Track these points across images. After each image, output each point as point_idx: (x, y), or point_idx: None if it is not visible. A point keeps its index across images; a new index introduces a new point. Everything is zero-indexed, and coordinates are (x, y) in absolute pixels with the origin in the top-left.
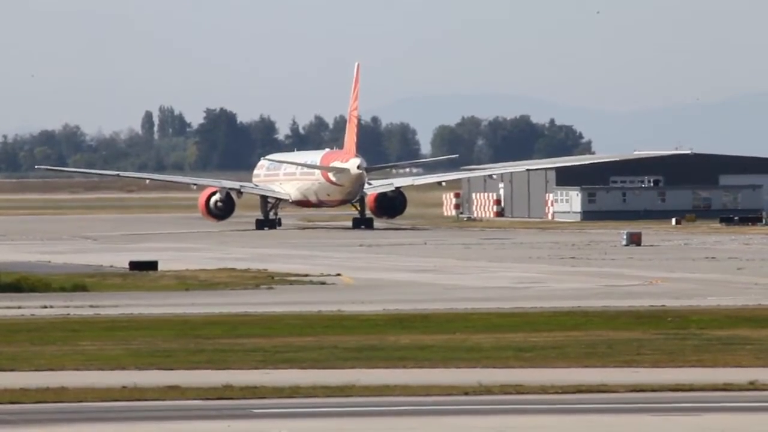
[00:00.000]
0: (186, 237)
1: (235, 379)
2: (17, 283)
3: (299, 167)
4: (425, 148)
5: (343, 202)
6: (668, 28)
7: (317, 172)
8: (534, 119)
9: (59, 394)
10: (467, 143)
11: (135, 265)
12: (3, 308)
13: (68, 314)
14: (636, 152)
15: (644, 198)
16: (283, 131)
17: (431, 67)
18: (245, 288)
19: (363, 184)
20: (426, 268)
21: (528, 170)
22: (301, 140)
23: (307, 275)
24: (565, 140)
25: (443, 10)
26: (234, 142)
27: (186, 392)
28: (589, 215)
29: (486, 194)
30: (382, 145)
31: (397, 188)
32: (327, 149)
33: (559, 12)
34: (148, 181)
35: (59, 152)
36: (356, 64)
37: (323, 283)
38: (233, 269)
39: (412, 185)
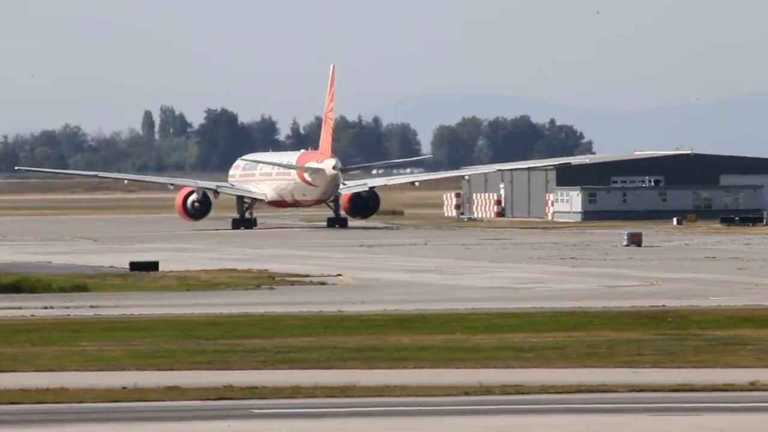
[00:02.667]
0: (186, 237)
1: (236, 380)
2: (17, 284)
3: (275, 167)
4: (426, 148)
5: (318, 202)
6: (669, 28)
7: (293, 172)
8: (534, 119)
9: (59, 394)
10: (468, 143)
11: (135, 266)
12: (3, 309)
13: (68, 315)
14: (637, 152)
15: (645, 198)
16: (284, 131)
17: (432, 68)
18: (246, 288)
19: (338, 185)
20: (426, 268)
21: (500, 170)
22: (302, 140)
23: (307, 275)
24: (566, 140)
25: (444, 10)
26: (235, 142)
27: (186, 393)
28: (589, 215)
29: (486, 194)
30: (383, 145)
31: (371, 188)
32: (303, 150)
33: (560, 12)
34: (126, 181)
35: (60, 152)
36: (331, 66)
37: (324, 284)
38: (234, 270)
39: (385, 185)
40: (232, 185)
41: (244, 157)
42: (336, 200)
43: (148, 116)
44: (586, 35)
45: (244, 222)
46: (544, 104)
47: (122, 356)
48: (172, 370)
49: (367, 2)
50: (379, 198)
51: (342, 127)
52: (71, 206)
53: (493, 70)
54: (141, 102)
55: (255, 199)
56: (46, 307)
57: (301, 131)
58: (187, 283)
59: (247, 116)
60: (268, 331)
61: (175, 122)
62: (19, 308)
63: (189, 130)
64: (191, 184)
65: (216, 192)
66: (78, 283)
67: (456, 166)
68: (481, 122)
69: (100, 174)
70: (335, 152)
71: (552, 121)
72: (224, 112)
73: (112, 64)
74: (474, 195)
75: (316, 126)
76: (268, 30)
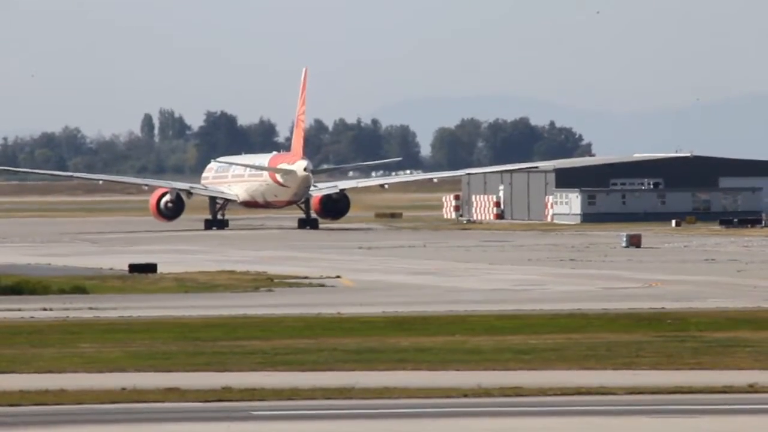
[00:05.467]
0: (185, 239)
1: (235, 381)
2: (17, 286)
3: (247, 169)
4: (425, 150)
5: (289, 203)
6: (668, 30)
7: (265, 173)
8: (534, 121)
9: (59, 396)
10: (467, 145)
11: (134, 268)
12: (3, 310)
13: (68, 316)
14: (636, 154)
15: (644, 200)
16: (283, 134)
17: (431, 69)
18: (244, 290)
19: (309, 186)
20: (425, 270)
21: (468, 174)
22: None
23: (306, 277)
24: (565, 142)
25: (443, 11)
26: (234, 145)
27: (185, 394)
28: (588, 217)
29: (486, 196)
30: (383, 147)
31: (342, 190)
32: (275, 152)
33: (559, 13)
34: (101, 182)
35: (59, 154)
36: (304, 69)
37: (323, 285)
38: (232, 271)
39: (356, 187)
40: (206, 187)
41: (217, 159)
42: (307, 202)
43: (147, 119)
44: (585, 37)
45: (216, 222)
46: (544, 106)
47: (121, 358)
48: (171, 371)
49: (366, 4)
50: (350, 200)
51: (341, 129)
52: (71, 208)
53: (492, 72)
54: (140, 104)
55: (227, 200)
56: (45, 309)
57: None
58: (185, 284)
59: (246, 118)
60: (267, 333)
61: (174, 125)
62: (19, 310)
63: (188, 132)
64: (165, 185)
65: (189, 193)
66: (77, 285)
67: (455, 168)
68: (480, 124)
69: (75, 174)
70: (335, 154)
71: (551, 123)
72: (223, 114)
73: (111, 67)
74: (473, 197)
75: (315, 128)
76: (268, 32)
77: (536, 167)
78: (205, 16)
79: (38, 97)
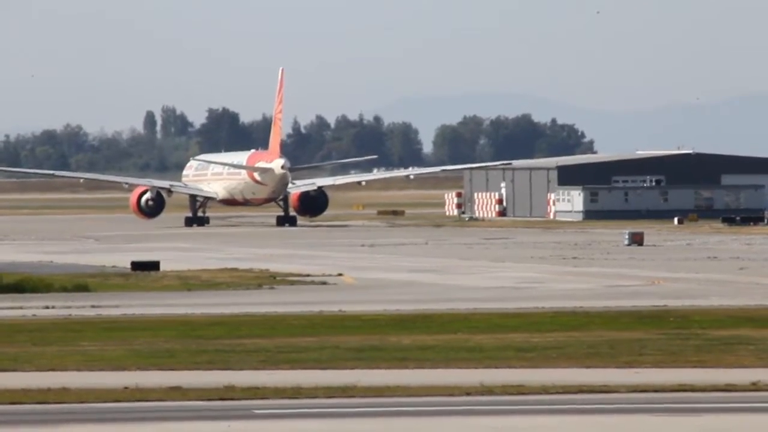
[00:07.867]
0: (187, 237)
1: (237, 380)
2: (19, 284)
3: (226, 167)
4: (427, 147)
5: (268, 201)
6: (670, 28)
7: (243, 171)
8: (536, 118)
9: (61, 394)
10: (469, 142)
11: (137, 266)
12: (5, 309)
13: (70, 315)
14: (638, 152)
15: (646, 198)
16: (285, 130)
17: (433, 67)
18: (247, 288)
19: (287, 184)
20: (428, 268)
21: (443, 169)
22: (303, 139)
23: (308, 275)
24: (567, 139)
25: (445, 9)
26: (236, 142)
27: (188, 393)
28: (591, 215)
29: (488, 194)
30: (385, 145)
31: (320, 187)
32: (253, 150)
33: (561, 11)
34: (81, 180)
35: (61, 152)
36: (280, 69)
37: (325, 284)
38: (235, 269)
39: (333, 185)
40: (185, 185)
41: (197, 157)
42: (285, 199)
43: (149, 116)
44: (587, 34)
45: (196, 220)
46: (546, 103)
47: (123, 356)
48: (173, 370)
49: (369, 2)
50: (328, 197)
51: (343, 126)
52: (73, 205)
53: (494, 70)
54: (143, 102)
55: (207, 198)
56: (47, 307)
57: (302, 130)
58: (188, 282)
59: (248, 116)
60: (270, 331)
61: (176, 122)
62: (21, 308)
63: (190, 129)
64: (146, 183)
65: (169, 191)
66: (79, 283)
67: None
68: (482, 121)
69: (57, 173)
70: (337, 151)
71: (553, 121)
72: (225, 111)
73: (113, 64)
74: (475, 194)
75: (317, 125)
76: (269, 29)
77: (509, 163)
78: (208, 14)
79: (40, 94)
